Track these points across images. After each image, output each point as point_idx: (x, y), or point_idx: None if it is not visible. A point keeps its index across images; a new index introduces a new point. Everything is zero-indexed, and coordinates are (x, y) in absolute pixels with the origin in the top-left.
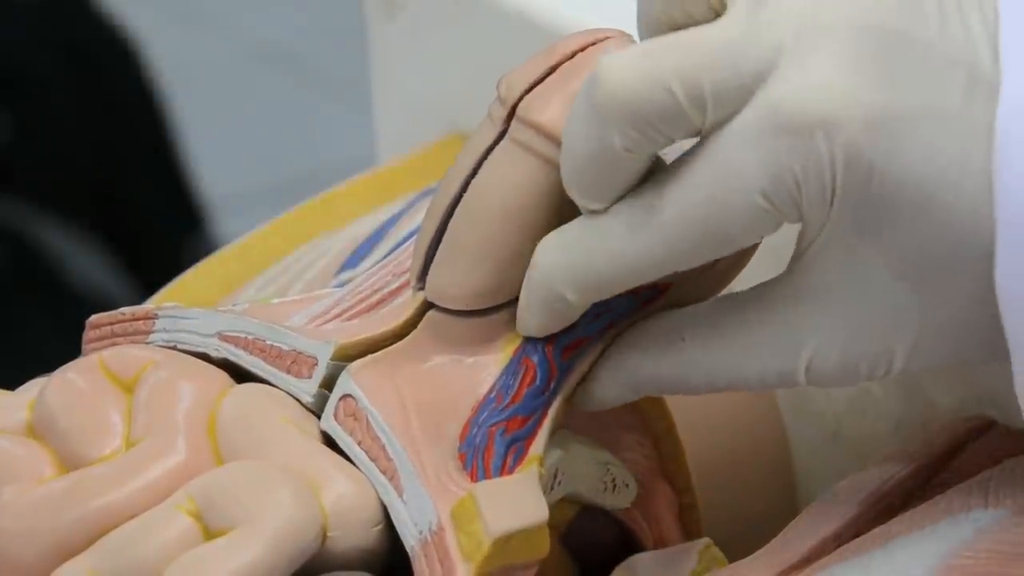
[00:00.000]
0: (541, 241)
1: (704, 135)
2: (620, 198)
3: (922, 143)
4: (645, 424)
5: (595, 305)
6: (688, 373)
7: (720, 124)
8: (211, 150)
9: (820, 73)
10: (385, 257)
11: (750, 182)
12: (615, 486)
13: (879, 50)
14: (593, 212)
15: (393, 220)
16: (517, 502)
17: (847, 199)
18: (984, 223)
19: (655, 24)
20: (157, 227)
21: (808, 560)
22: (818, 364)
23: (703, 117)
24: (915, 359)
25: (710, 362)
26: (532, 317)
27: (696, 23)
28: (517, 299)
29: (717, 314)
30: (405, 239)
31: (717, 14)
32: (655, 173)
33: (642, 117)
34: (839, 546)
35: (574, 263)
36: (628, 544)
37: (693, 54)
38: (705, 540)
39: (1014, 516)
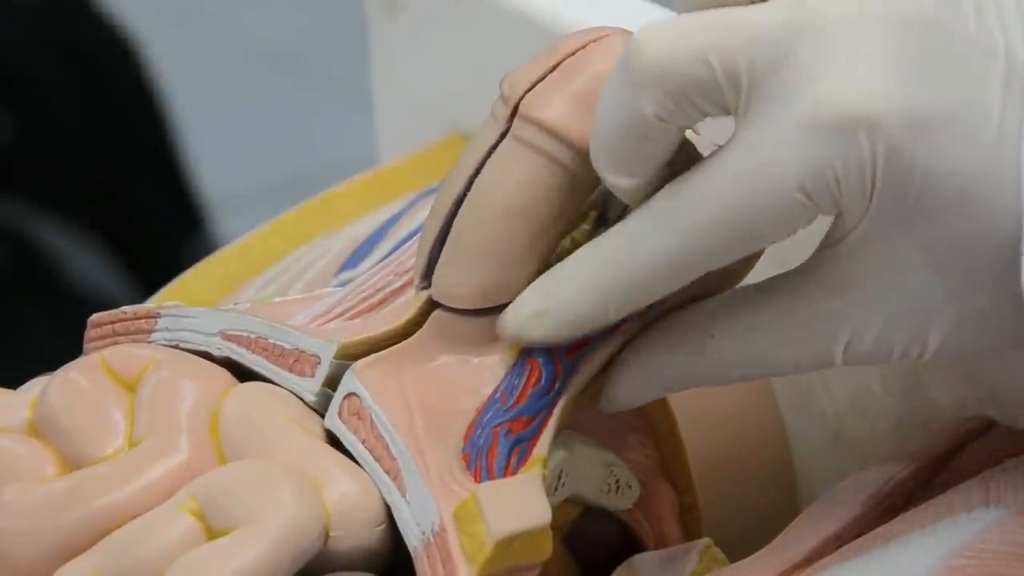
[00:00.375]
0: (568, 263)
1: (737, 117)
2: (647, 176)
3: (962, 139)
4: (647, 424)
5: None
6: (721, 369)
7: (753, 107)
8: (211, 150)
9: (863, 70)
10: (386, 257)
11: (789, 179)
12: (618, 487)
13: (920, 45)
14: (627, 193)
15: (393, 220)
16: (520, 504)
17: (886, 194)
18: (1016, 215)
19: (698, 2)
20: (157, 227)
21: (809, 560)
22: (854, 349)
23: (737, 96)
24: (948, 344)
25: (743, 356)
26: (558, 333)
27: (740, 3)
28: None
29: (747, 308)
30: (406, 239)
31: None
32: (686, 171)
33: (677, 86)
34: (840, 546)
35: (614, 277)
36: (629, 544)
37: (734, 31)
38: (706, 540)
39: (1015, 516)
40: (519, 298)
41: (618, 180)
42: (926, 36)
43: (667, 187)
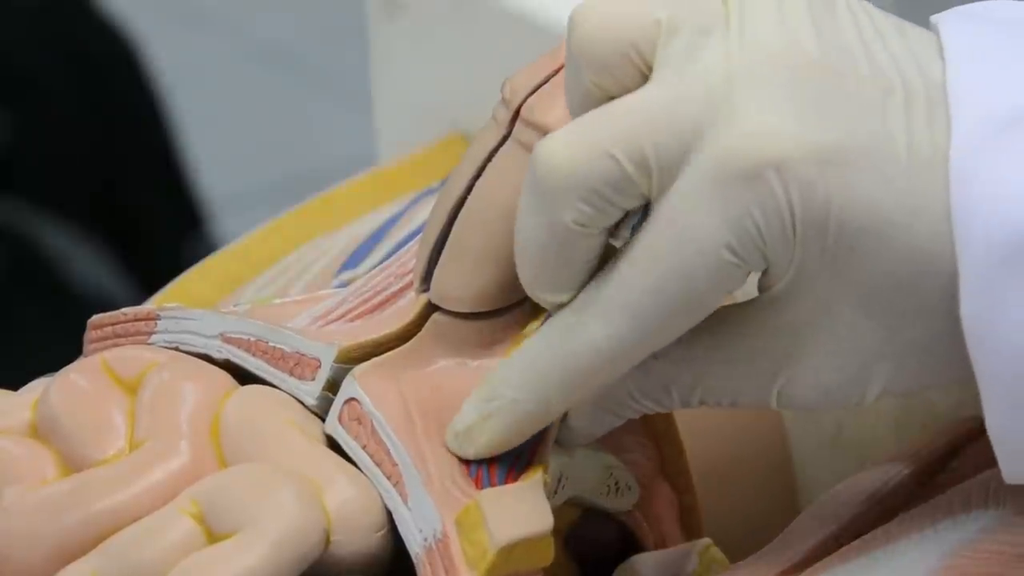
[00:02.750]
0: (502, 366)
1: (653, 202)
2: (583, 286)
3: (872, 170)
4: (647, 425)
5: None
6: (665, 394)
7: (667, 187)
8: (211, 150)
9: (760, 116)
10: (386, 258)
11: (714, 239)
12: (618, 489)
13: (814, 87)
14: (559, 307)
15: (393, 220)
16: (522, 510)
17: (808, 235)
18: (946, 250)
19: (586, 98)
20: (157, 227)
21: (808, 561)
22: (789, 392)
23: (649, 181)
24: (889, 386)
25: (682, 382)
26: (505, 436)
27: (627, 91)
28: (522, 301)
29: (691, 337)
30: (406, 239)
31: (646, 78)
32: (612, 258)
33: (588, 188)
34: (839, 547)
35: (552, 370)
36: (629, 545)
37: (630, 118)
38: (706, 540)
39: (1014, 516)
40: (459, 413)
41: (556, 297)
42: (819, 79)
43: (595, 277)
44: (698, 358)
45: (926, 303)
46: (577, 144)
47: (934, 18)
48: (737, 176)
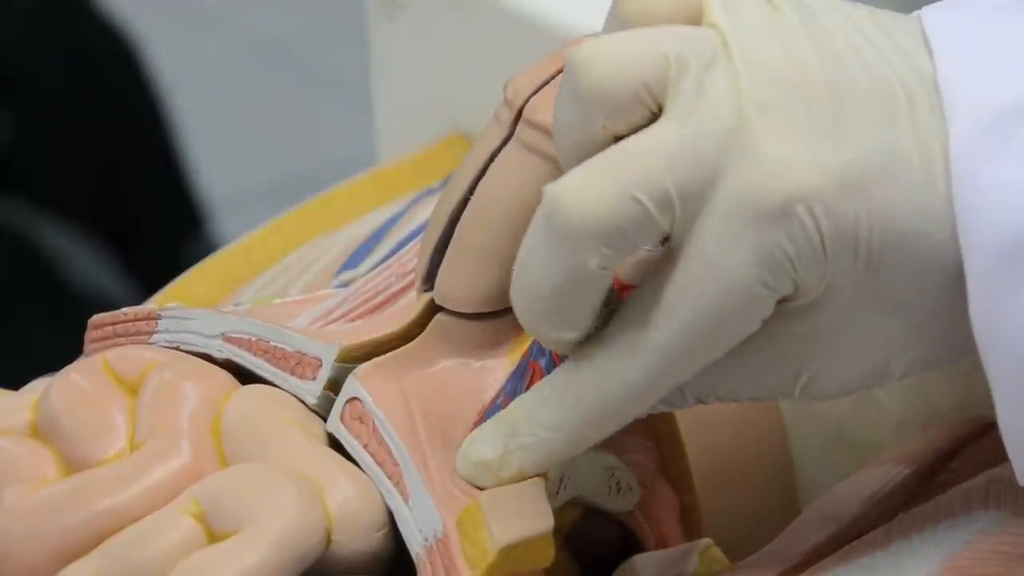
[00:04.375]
0: (527, 403)
1: (675, 239)
2: (594, 324)
3: (893, 185)
4: (648, 426)
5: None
6: (675, 398)
7: (690, 223)
8: (211, 150)
9: (780, 151)
10: (387, 258)
11: (747, 276)
12: (619, 489)
13: (822, 108)
14: (566, 344)
15: (393, 220)
16: (523, 511)
17: (839, 257)
18: (954, 242)
19: (591, 140)
20: (157, 227)
21: (809, 561)
22: (812, 387)
23: (672, 219)
24: (911, 371)
25: (700, 385)
26: (532, 471)
27: (635, 130)
28: None
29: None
30: (406, 239)
31: (654, 115)
32: (637, 296)
33: (615, 232)
34: (840, 547)
35: (587, 411)
36: (630, 545)
37: (649, 159)
38: (706, 540)
39: (1014, 517)
40: (475, 441)
41: (563, 335)
42: (826, 98)
43: (620, 315)
44: (719, 364)
45: (948, 302)
46: (600, 189)
47: (917, 13)
48: (764, 214)
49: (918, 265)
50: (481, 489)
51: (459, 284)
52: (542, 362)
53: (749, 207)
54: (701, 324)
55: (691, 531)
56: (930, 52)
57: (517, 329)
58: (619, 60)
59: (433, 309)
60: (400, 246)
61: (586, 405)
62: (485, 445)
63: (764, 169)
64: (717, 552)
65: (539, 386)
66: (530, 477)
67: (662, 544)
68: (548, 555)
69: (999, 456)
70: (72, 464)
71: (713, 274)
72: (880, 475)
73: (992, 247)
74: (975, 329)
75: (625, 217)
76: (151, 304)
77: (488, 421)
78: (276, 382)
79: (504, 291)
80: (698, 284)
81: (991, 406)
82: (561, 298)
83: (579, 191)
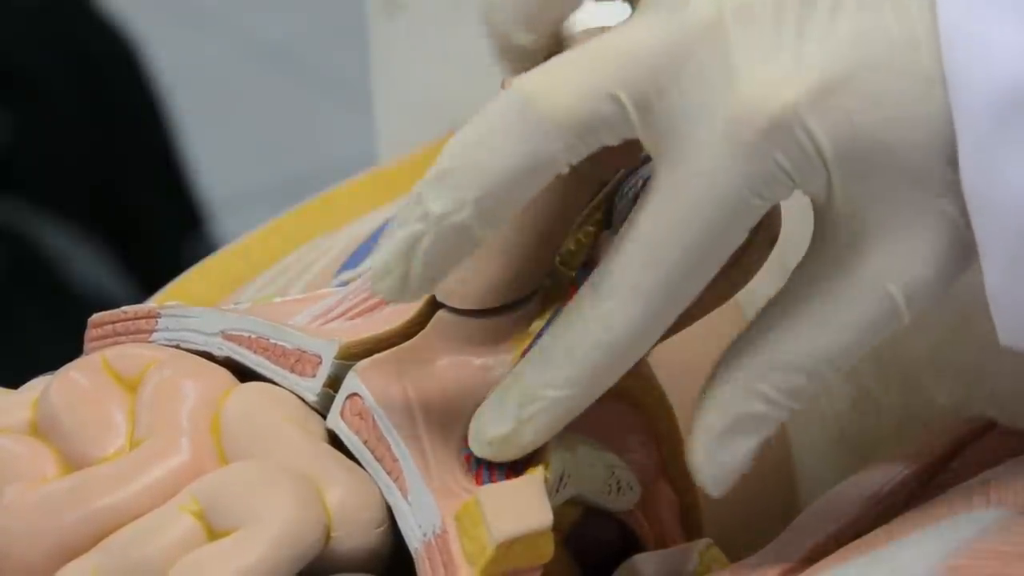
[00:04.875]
0: (534, 368)
1: (650, 146)
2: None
3: (883, 73)
4: (648, 425)
5: None
6: (799, 366)
7: (670, 133)
8: (211, 150)
9: (762, 67)
10: None
11: (742, 190)
12: (619, 488)
13: (796, 9)
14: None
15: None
16: (522, 507)
17: (840, 154)
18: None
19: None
20: (157, 227)
21: (809, 560)
22: (910, 294)
23: (648, 126)
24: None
25: (821, 354)
26: (548, 433)
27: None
28: (527, 299)
29: (794, 305)
30: None
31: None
32: (621, 236)
33: (589, 130)
34: (840, 547)
35: (597, 360)
36: (630, 544)
37: (630, 61)
38: (706, 540)
39: (1015, 516)
40: (486, 420)
41: (479, 203)
42: (793, 5)
43: (610, 259)
44: (830, 336)
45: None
46: (578, 84)
47: None
48: (754, 133)
49: (926, 143)
50: (480, 484)
51: (459, 280)
52: None
53: (737, 127)
54: (702, 245)
55: (691, 531)
56: None
57: (519, 327)
58: None
59: (433, 306)
60: None
61: (595, 355)
62: (496, 422)
63: (748, 91)
64: (717, 552)
65: (540, 348)
66: (553, 453)
67: (662, 543)
68: (547, 551)
69: (999, 456)
70: (72, 462)
71: (707, 194)
72: (880, 475)
73: (980, 106)
74: (965, 192)
75: (603, 115)
76: (151, 303)
77: (490, 398)
78: (276, 379)
79: (506, 288)
80: (693, 206)
81: (991, 406)
82: (511, 182)
83: (557, 86)
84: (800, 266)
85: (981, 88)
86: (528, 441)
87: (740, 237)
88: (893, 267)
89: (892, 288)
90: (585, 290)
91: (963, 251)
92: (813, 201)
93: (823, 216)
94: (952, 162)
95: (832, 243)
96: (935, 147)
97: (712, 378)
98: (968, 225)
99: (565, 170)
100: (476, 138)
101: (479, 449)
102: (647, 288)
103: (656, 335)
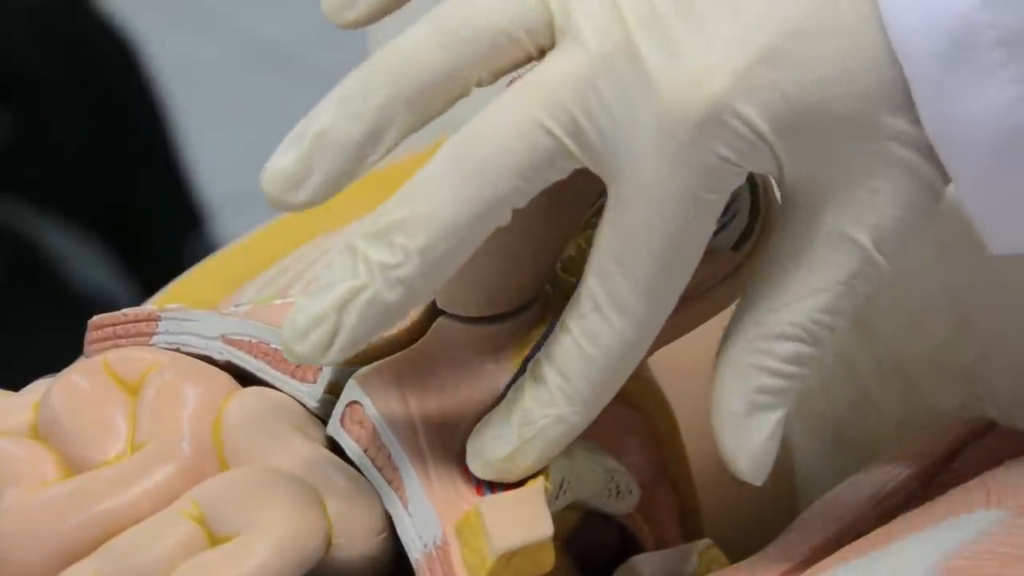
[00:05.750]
0: (533, 391)
1: (608, 179)
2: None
3: (816, 39)
4: (648, 427)
5: None
6: (793, 333)
7: (609, 150)
8: (211, 150)
9: (678, 64)
10: None
11: (692, 192)
12: (619, 492)
13: (682, 9)
14: (565, 331)
15: None
16: (522, 518)
17: (786, 137)
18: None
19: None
20: (157, 227)
21: (809, 562)
22: (876, 237)
23: (584, 144)
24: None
25: (798, 313)
26: (551, 453)
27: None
28: (528, 306)
29: (775, 280)
30: None
31: (542, 52)
32: (595, 251)
33: (530, 166)
34: (840, 547)
35: (594, 377)
36: (630, 547)
37: (554, 87)
38: (706, 541)
39: (1014, 517)
40: (486, 442)
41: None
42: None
43: (587, 277)
44: (796, 289)
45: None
46: (509, 123)
47: None
48: (686, 134)
49: (856, 94)
50: (481, 495)
51: (461, 288)
52: None
53: (669, 127)
54: (668, 249)
55: (691, 531)
56: None
57: (519, 334)
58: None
59: (434, 313)
60: None
61: (588, 372)
62: (498, 441)
63: (668, 89)
64: (717, 552)
65: (534, 369)
66: (552, 460)
67: (662, 546)
68: (548, 561)
69: (999, 456)
70: (72, 465)
71: (659, 205)
72: (880, 475)
73: (926, 53)
74: (929, 133)
75: (539, 148)
76: (151, 304)
77: (490, 420)
78: (277, 385)
79: (507, 295)
80: (647, 218)
81: (991, 406)
82: (458, 231)
83: (489, 129)
84: (776, 237)
85: (926, 31)
86: (530, 462)
87: (707, 230)
88: (854, 216)
89: (859, 236)
90: (569, 308)
91: (924, 188)
92: (768, 175)
93: (782, 186)
94: (896, 106)
95: (796, 209)
96: (874, 97)
97: (717, 366)
98: (928, 161)
99: (507, 219)
100: (417, 189)
101: (480, 470)
102: (624, 298)
103: (646, 342)
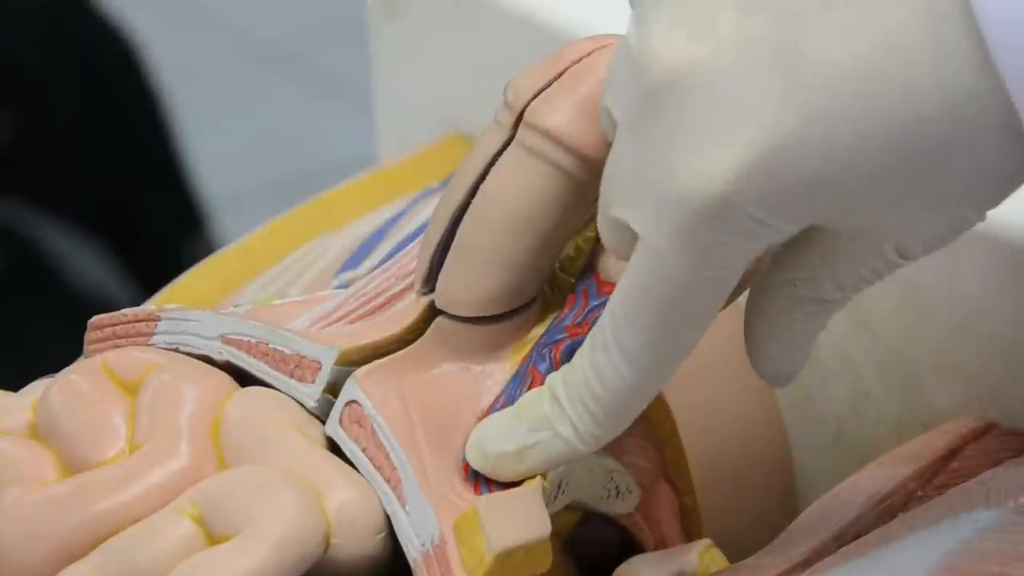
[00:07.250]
0: (541, 400)
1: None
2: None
3: (884, 87)
4: (648, 427)
5: (598, 310)
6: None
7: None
8: (211, 150)
9: (675, 154)
10: (387, 258)
11: (691, 270)
12: (618, 493)
13: (670, 110)
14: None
15: (394, 220)
16: (520, 517)
17: (789, 200)
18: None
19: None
20: (157, 227)
21: (809, 561)
22: (904, 251)
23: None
24: (965, 197)
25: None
26: (548, 466)
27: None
28: (526, 306)
29: (793, 255)
30: (406, 240)
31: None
32: (616, 298)
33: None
34: (840, 547)
35: (597, 413)
36: (629, 547)
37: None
38: (706, 541)
39: (1014, 516)
40: (491, 435)
41: None
42: (672, 101)
43: (603, 316)
44: (816, 262)
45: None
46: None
47: None
48: (697, 219)
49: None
50: (478, 494)
51: (460, 288)
52: (542, 368)
53: (676, 218)
54: (674, 314)
55: (691, 531)
56: None
57: (518, 334)
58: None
59: (433, 312)
60: (400, 247)
61: (595, 408)
62: (502, 439)
63: (674, 190)
64: (717, 552)
65: (553, 387)
66: (541, 472)
67: (662, 545)
68: (545, 561)
69: (999, 456)
70: (71, 465)
71: (662, 274)
72: (880, 475)
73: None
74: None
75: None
76: (151, 304)
77: (503, 412)
78: (275, 384)
79: (506, 295)
80: (651, 285)
81: (991, 406)
82: None
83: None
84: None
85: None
86: (525, 468)
87: (717, 300)
88: (886, 235)
89: (886, 249)
90: (590, 334)
91: (955, 223)
92: None
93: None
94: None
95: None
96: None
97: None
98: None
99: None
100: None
101: (475, 459)
102: (629, 346)
103: (652, 389)
